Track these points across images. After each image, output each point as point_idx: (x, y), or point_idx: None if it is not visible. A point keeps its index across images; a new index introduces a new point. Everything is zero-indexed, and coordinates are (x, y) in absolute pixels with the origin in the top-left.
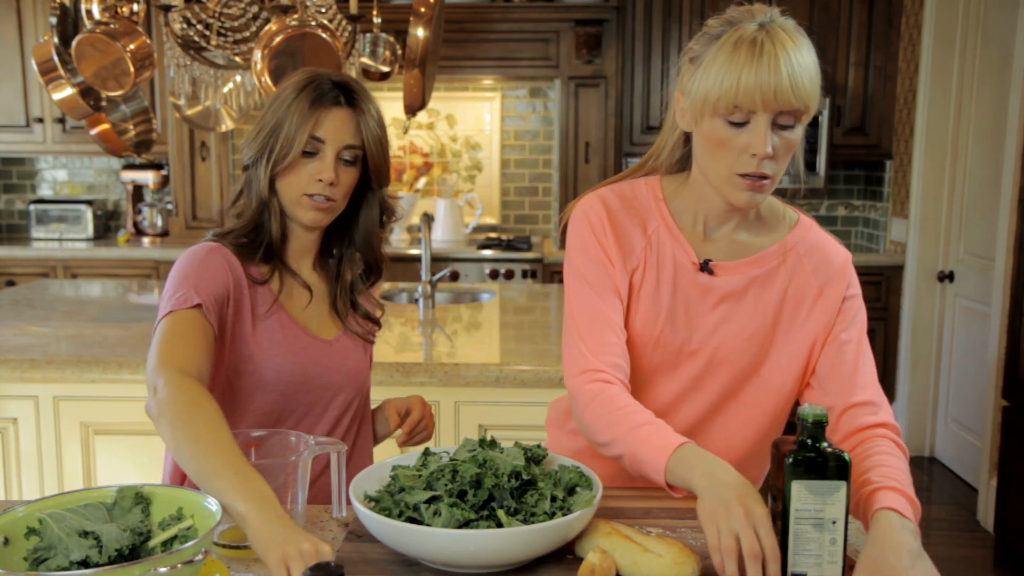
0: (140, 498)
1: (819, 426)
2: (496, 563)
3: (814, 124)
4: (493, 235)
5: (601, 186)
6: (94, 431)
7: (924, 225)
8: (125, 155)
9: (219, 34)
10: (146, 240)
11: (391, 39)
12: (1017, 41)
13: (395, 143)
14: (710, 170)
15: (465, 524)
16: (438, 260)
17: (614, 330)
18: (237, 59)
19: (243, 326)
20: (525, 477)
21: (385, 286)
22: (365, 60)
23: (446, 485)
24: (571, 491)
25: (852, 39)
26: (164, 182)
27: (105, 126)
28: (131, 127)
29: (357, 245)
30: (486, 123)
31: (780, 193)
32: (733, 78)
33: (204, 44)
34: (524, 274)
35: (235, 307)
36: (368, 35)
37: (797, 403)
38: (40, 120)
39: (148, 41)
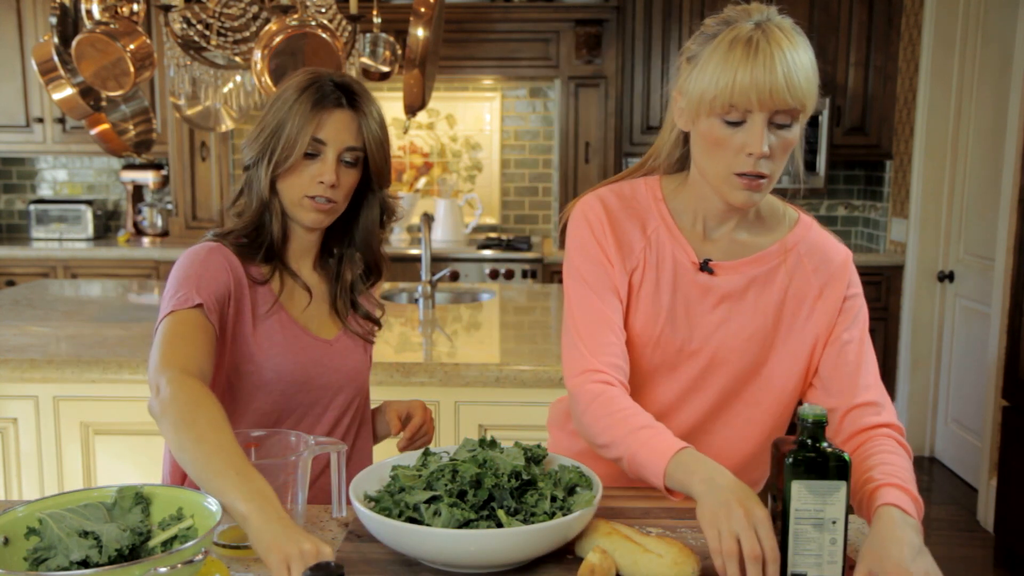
0: (140, 498)
1: (819, 426)
2: (496, 563)
3: (814, 124)
4: (493, 235)
5: (600, 186)
6: (94, 431)
7: (924, 225)
8: (125, 155)
9: (219, 34)
10: (146, 240)
11: (391, 39)
12: (1017, 41)
13: (395, 143)
14: (707, 170)
15: (465, 524)
16: (438, 260)
17: (613, 330)
18: (237, 59)
19: (243, 326)
20: (525, 477)
21: (385, 286)
22: (365, 60)
23: (446, 485)
24: (571, 491)
25: (852, 39)
26: (164, 182)
27: (105, 126)
28: (131, 127)
29: (357, 245)
30: (486, 123)
31: (780, 193)
32: (729, 77)
33: (204, 44)
34: (524, 274)
35: (236, 307)
36: (368, 35)
37: (800, 403)
38: (40, 120)
39: (148, 41)
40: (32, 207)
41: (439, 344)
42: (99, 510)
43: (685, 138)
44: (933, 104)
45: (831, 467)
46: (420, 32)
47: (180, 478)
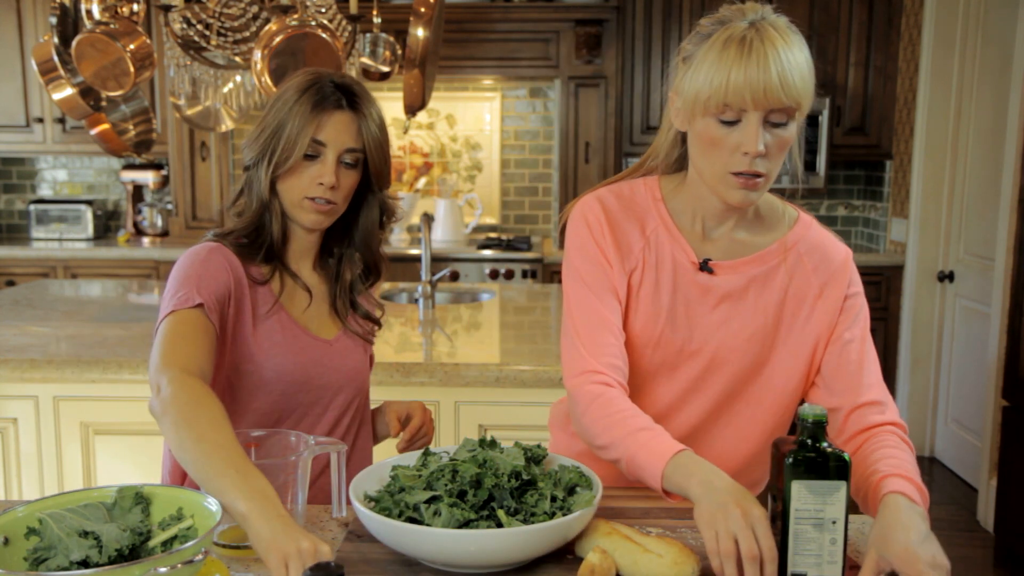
0: (140, 498)
1: (819, 426)
2: (496, 563)
3: (814, 124)
4: (493, 235)
5: (599, 187)
6: (94, 431)
7: (924, 225)
8: (125, 155)
9: (219, 34)
10: (146, 240)
11: (391, 39)
12: (1017, 41)
13: (395, 143)
14: (704, 169)
15: (465, 524)
16: (438, 260)
17: (612, 331)
18: (237, 59)
19: (244, 326)
20: (525, 477)
21: (385, 286)
22: (365, 60)
23: (446, 485)
24: (571, 491)
25: (852, 39)
26: (164, 182)
27: (105, 126)
28: (131, 127)
29: (357, 246)
30: (486, 123)
31: (779, 193)
32: (723, 77)
33: (204, 44)
34: (524, 274)
35: (236, 307)
36: (368, 35)
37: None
38: (40, 120)
39: (148, 41)
40: (32, 207)
41: (439, 344)
42: (99, 510)
43: (683, 138)
44: (933, 104)
45: (831, 467)
46: (420, 32)
47: (180, 478)
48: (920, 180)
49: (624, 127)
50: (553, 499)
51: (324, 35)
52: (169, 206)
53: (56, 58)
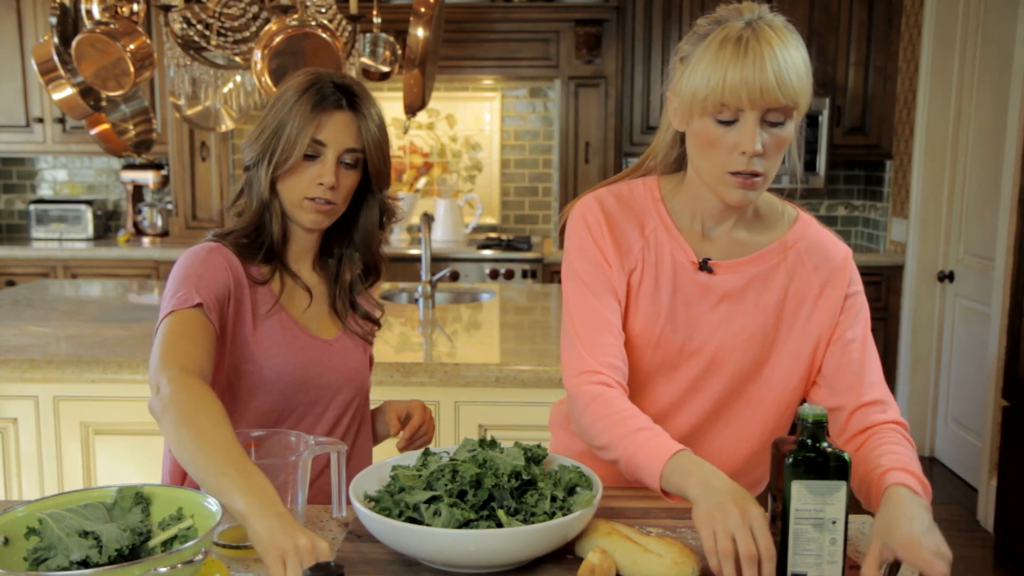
0: (140, 498)
1: (819, 426)
2: (496, 563)
3: (814, 124)
4: (493, 235)
5: (598, 187)
6: (94, 431)
7: (924, 225)
8: (125, 155)
9: (219, 34)
10: (146, 240)
11: (391, 39)
12: (1017, 41)
13: (395, 143)
14: (703, 169)
15: (465, 524)
16: (438, 260)
17: (611, 331)
18: (237, 59)
19: (243, 326)
20: (525, 477)
21: (385, 286)
22: (365, 60)
23: (446, 485)
24: (571, 491)
25: (852, 39)
26: (164, 182)
27: (105, 126)
28: (131, 127)
29: (356, 246)
30: (486, 123)
31: (778, 193)
32: (719, 77)
33: (204, 44)
34: (524, 274)
35: (236, 307)
36: (368, 35)
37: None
38: (40, 120)
39: (148, 41)
40: (32, 207)
41: (439, 344)
42: (99, 510)
43: (682, 138)
44: (933, 104)
45: (831, 467)
46: (420, 32)
47: (180, 478)
48: (920, 180)
49: (624, 127)
50: (553, 499)
51: (324, 35)
52: (169, 206)
53: (56, 58)
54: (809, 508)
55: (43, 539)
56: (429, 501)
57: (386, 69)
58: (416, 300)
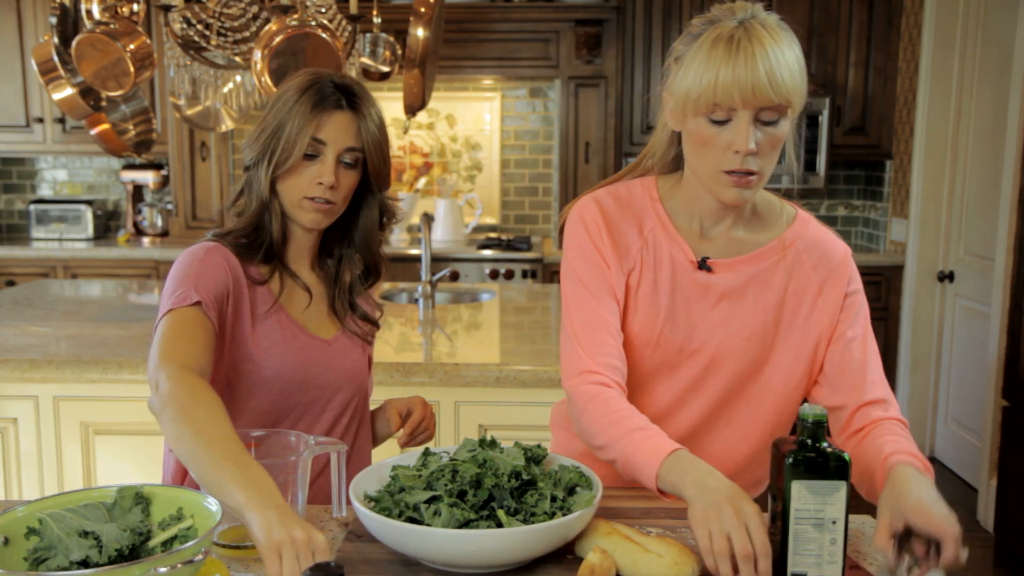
0: (140, 498)
1: (819, 426)
2: (496, 563)
3: (814, 124)
4: (493, 235)
5: (596, 188)
6: (94, 431)
7: (924, 225)
8: (125, 155)
9: (219, 34)
10: (146, 240)
11: (391, 39)
12: (1017, 41)
13: (395, 143)
14: (698, 169)
15: (465, 524)
16: (438, 260)
17: (610, 332)
18: (237, 59)
19: (242, 325)
20: (525, 477)
21: (385, 286)
22: (365, 60)
23: (446, 485)
24: (571, 491)
25: (852, 39)
26: (164, 182)
27: (105, 126)
28: (131, 127)
29: (356, 247)
30: (486, 123)
31: (778, 192)
32: (711, 76)
33: (204, 44)
34: (524, 274)
35: (234, 306)
36: (368, 35)
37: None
38: (40, 120)
39: (148, 41)
40: (32, 207)
41: (439, 344)
42: (99, 510)
43: (678, 138)
44: (933, 104)
45: (831, 467)
46: (420, 32)
47: (181, 478)
48: (920, 180)
49: (624, 127)
50: (553, 499)
51: (324, 35)
52: (169, 206)
53: (56, 58)
54: (809, 508)
55: (43, 539)
56: (429, 501)
57: (386, 69)
58: (416, 300)
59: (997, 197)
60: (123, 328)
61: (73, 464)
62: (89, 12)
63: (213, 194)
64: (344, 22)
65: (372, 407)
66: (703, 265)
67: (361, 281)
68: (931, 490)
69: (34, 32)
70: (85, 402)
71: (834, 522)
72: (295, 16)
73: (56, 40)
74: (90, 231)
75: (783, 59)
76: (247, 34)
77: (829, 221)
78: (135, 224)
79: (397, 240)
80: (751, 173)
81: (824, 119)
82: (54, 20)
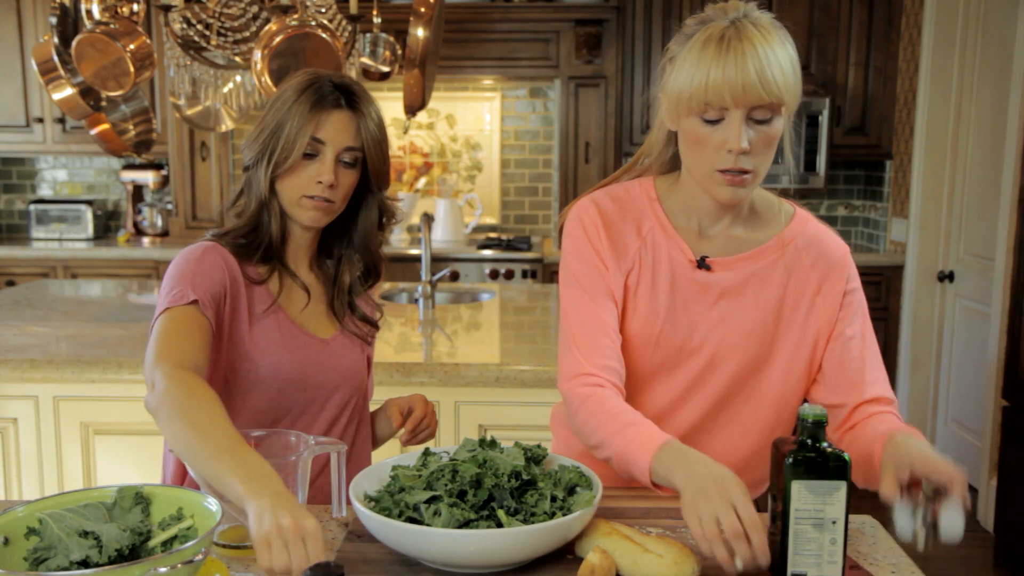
0: (140, 498)
1: (819, 426)
2: (496, 563)
3: (814, 124)
4: (493, 235)
5: (594, 189)
6: (94, 431)
7: (924, 225)
8: (125, 155)
9: (219, 34)
10: (146, 240)
11: (391, 39)
12: (1017, 41)
13: (395, 143)
14: (693, 168)
15: (465, 524)
16: (438, 260)
17: (608, 334)
18: (237, 59)
19: (240, 325)
20: (525, 477)
21: (385, 286)
22: (365, 60)
23: (446, 485)
24: (571, 491)
25: (852, 39)
26: (164, 182)
27: (105, 126)
28: (131, 127)
29: (356, 247)
30: (486, 123)
31: (776, 192)
32: (702, 76)
33: (204, 44)
34: (524, 274)
35: (232, 305)
36: (368, 35)
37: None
38: (40, 120)
39: (148, 41)
40: (32, 207)
41: (439, 344)
42: (99, 510)
43: (675, 138)
44: (933, 104)
45: (831, 467)
46: (420, 32)
47: (181, 478)
48: (920, 180)
49: (624, 127)
50: (553, 499)
51: (324, 35)
52: (169, 206)
53: (56, 58)
54: (809, 508)
55: (43, 539)
56: (429, 501)
57: (386, 69)
58: (416, 300)
59: (997, 197)
60: (123, 328)
61: (73, 464)
62: (89, 12)
63: (213, 194)
64: (344, 22)
65: (373, 407)
66: (702, 264)
67: (361, 282)
68: (932, 449)
69: (34, 32)
70: (85, 402)
71: (834, 522)
72: (295, 16)
73: (56, 40)
74: (90, 231)
75: (774, 58)
76: (247, 34)
77: (829, 221)
78: (135, 224)
79: (397, 240)
80: (745, 172)
81: (824, 119)
82: (54, 20)
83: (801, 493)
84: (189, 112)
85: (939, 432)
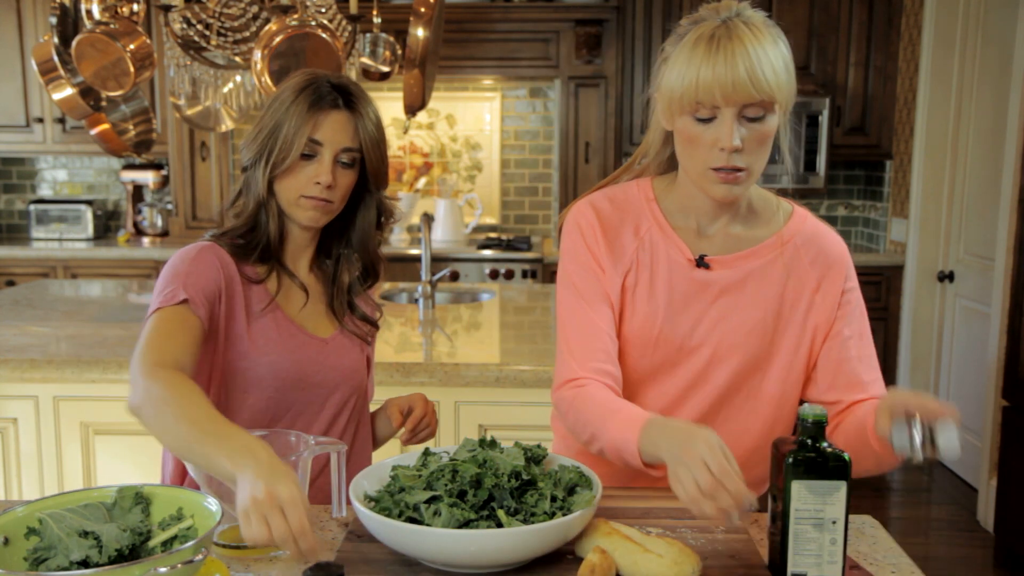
0: (140, 498)
1: (819, 426)
2: (496, 563)
3: (814, 124)
4: (493, 235)
5: (592, 191)
6: (94, 431)
7: (924, 225)
8: (125, 155)
9: (219, 34)
10: (146, 240)
11: (391, 39)
12: (1017, 41)
13: (395, 143)
14: (688, 167)
15: (465, 524)
16: (438, 260)
17: (603, 339)
18: (237, 59)
19: (237, 324)
20: (525, 477)
21: (385, 286)
22: (365, 60)
23: (446, 485)
24: (571, 491)
25: (852, 39)
26: (164, 182)
27: (105, 126)
28: (131, 127)
29: (354, 246)
30: (486, 123)
31: (777, 192)
32: (692, 75)
33: (204, 44)
34: (524, 274)
35: (227, 305)
36: (368, 35)
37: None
38: (40, 120)
39: (148, 41)
40: (32, 207)
41: (439, 344)
42: (99, 510)
43: (672, 137)
44: (933, 104)
45: (831, 467)
46: (420, 32)
47: (180, 478)
48: (920, 180)
49: (624, 127)
50: (553, 499)
51: (324, 35)
52: (169, 206)
53: (56, 58)
54: (809, 508)
55: (43, 539)
56: (429, 501)
57: (386, 69)
58: (416, 300)
59: (997, 197)
60: (123, 328)
61: (73, 464)
62: (89, 12)
63: (213, 194)
64: (344, 22)
65: (373, 408)
66: (701, 262)
67: (360, 282)
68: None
69: (34, 32)
70: (85, 402)
71: (834, 522)
72: (295, 16)
73: (56, 40)
74: (90, 231)
75: (764, 56)
76: (247, 34)
77: (829, 221)
78: (135, 224)
79: (397, 240)
80: (739, 169)
81: (824, 119)
82: (54, 20)
83: (801, 493)
84: (189, 112)
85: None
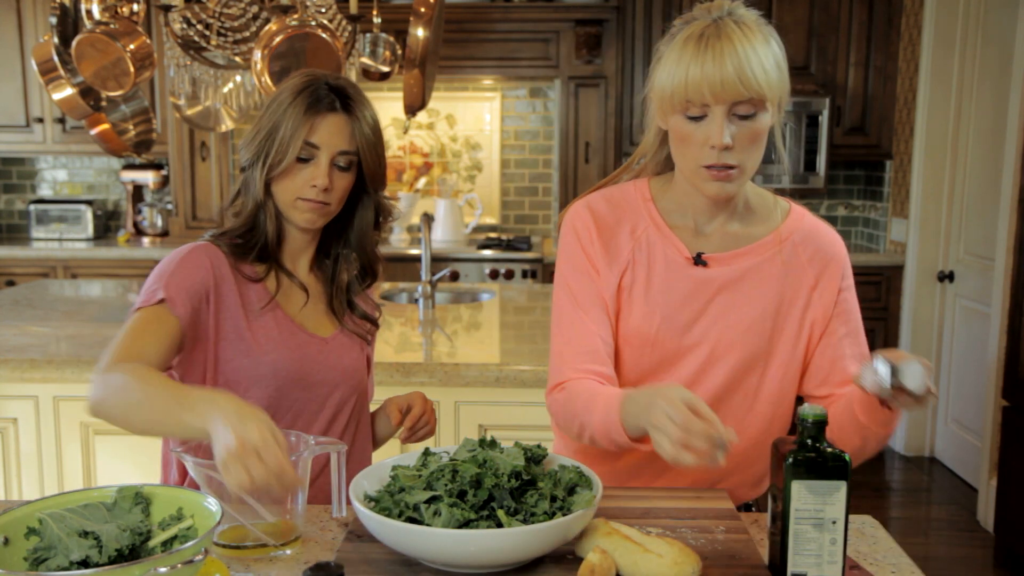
0: (140, 498)
1: (819, 426)
2: (496, 563)
3: (814, 124)
4: (493, 235)
5: (591, 191)
6: (94, 431)
7: (924, 225)
8: (125, 155)
9: (219, 34)
10: (146, 240)
11: (391, 39)
12: (1017, 41)
13: (395, 143)
14: (682, 165)
15: (465, 524)
16: (438, 260)
17: (593, 340)
18: (237, 59)
19: (234, 322)
20: (525, 477)
21: (385, 286)
22: (365, 60)
23: (446, 485)
24: (571, 491)
25: (852, 39)
26: (164, 182)
27: (105, 126)
28: (131, 127)
29: (352, 247)
30: (486, 123)
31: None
32: (682, 74)
33: (204, 44)
34: (524, 274)
35: (217, 303)
36: (368, 35)
37: (800, 399)
38: (40, 120)
39: (148, 41)
40: (32, 207)
41: (439, 344)
42: (99, 510)
43: (668, 137)
44: (933, 104)
45: (831, 467)
46: (420, 32)
47: (180, 478)
48: (920, 180)
49: (624, 127)
50: (553, 499)
51: (324, 35)
52: (169, 206)
53: (56, 58)
54: (809, 508)
55: (43, 539)
56: (429, 501)
57: (386, 69)
58: (416, 300)
59: (997, 197)
60: None
61: (73, 464)
62: (89, 12)
63: (213, 194)
64: (344, 22)
65: (373, 408)
66: (698, 260)
67: (359, 282)
68: None
69: (34, 32)
70: (85, 402)
71: (834, 522)
72: (295, 16)
73: (56, 40)
74: (90, 231)
75: (754, 54)
76: (247, 34)
77: (829, 221)
78: (135, 224)
79: (397, 240)
80: (730, 167)
81: (824, 119)
82: (54, 20)
83: (801, 493)
84: (189, 112)
85: (939, 432)
